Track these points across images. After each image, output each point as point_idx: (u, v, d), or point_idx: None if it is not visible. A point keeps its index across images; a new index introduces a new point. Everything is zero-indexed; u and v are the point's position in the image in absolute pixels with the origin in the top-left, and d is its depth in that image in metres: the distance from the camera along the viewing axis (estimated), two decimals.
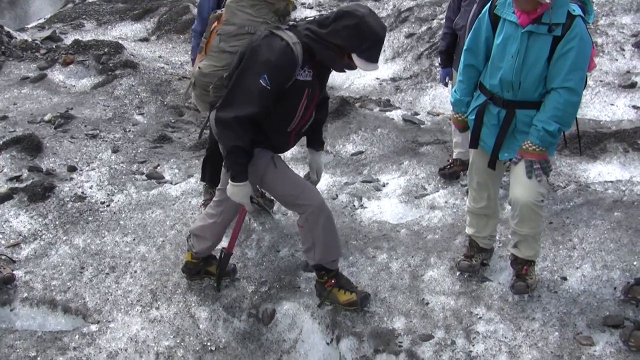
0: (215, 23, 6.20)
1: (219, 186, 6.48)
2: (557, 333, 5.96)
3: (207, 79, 6.03)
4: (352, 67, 5.65)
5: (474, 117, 6.16)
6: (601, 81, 11.38)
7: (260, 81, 5.48)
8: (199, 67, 6.10)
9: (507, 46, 5.76)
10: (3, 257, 7.34)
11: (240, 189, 5.81)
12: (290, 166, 6.85)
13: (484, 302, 6.39)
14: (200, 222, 6.69)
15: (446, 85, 8.93)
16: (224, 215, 6.45)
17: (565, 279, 6.58)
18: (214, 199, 6.53)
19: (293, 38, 5.57)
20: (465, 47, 6.18)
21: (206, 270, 6.93)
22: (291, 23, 5.90)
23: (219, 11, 6.31)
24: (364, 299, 6.51)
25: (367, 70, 5.78)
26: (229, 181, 5.84)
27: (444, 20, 8.83)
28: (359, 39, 5.42)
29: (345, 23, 5.44)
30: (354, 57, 5.52)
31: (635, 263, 6.62)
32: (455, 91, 6.37)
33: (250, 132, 5.67)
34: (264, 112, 5.63)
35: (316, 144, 6.63)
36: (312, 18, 5.67)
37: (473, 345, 5.97)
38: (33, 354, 6.24)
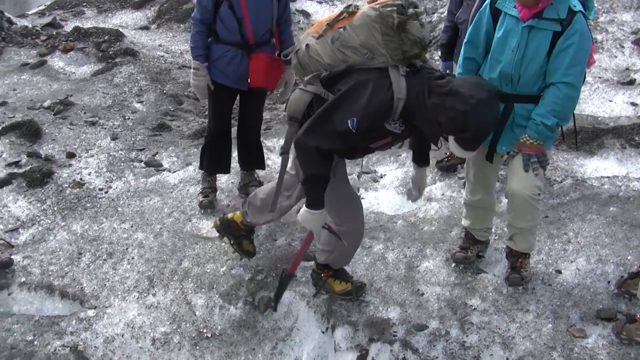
0: (346, 15, 5.53)
1: (288, 169, 6.14)
2: (550, 325, 6.02)
3: (309, 62, 5.59)
4: (451, 147, 5.36)
5: None
6: (600, 78, 11.40)
7: (349, 122, 5.12)
8: (307, 45, 5.74)
9: (507, 40, 5.79)
10: (1, 241, 7.39)
11: (315, 216, 5.53)
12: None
13: (478, 294, 6.45)
14: (262, 195, 6.53)
15: None
16: (290, 201, 6.33)
17: (559, 272, 6.64)
18: (283, 184, 6.19)
19: (402, 92, 5.12)
20: (465, 40, 6.20)
21: (240, 242, 6.94)
22: (418, 66, 5.36)
23: (354, 3, 5.77)
24: (359, 289, 6.54)
25: (460, 155, 5.52)
26: (304, 206, 5.56)
27: (446, 13, 8.85)
28: (460, 126, 5.01)
29: (454, 104, 4.96)
30: (450, 139, 5.20)
31: (629, 257, 6.69)
32: None
33: (331, 162, 5.41)
34: (346, 148, 5.38)
35: (421, 159, 6.31)
36: (436, 72, 5.11)
37: (467, 336, 6.01)
38: (30, 338, 6.29)
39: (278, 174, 6.03)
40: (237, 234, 6.90)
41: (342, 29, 5.41)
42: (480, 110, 4.95)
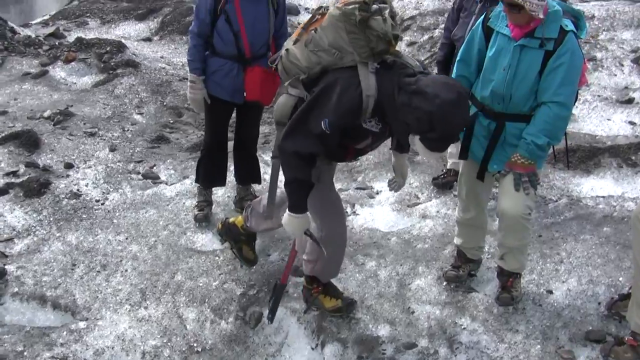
0: (319, 17, 5.59)
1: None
2: (539, 346, 6.02)
3: (290, 66, 5.62)
4: (418, 149, 5.32)
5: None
6: (599, 96, 11.40)
7: (322, 124, 5.16)
8: (287, 49, 5.75)
9: (499, 59, 5.81)
10: None
11: (297, 220, 5.54)
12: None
13: (469, 313, 6.44)
14: (266, 201, 6.44)
15: None
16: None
17: (550, 292, 6.65)
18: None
19: (371, 89, 5.13)
20: (457, 58, 6.24)
21: (240, 247, 6.97)
22: (389, 61, 5.31)
23: (325, 4, 5.75)
24: (350, 306, 6.54)
25: (426, 157, 5.48)
26: (287, 211, 5.59)
27: (443, 30, 8.88)
28: (427, 127, 4.95)
29: (419, 104, 4.91)
30: (416, 139, 5.19)
31: (620, 279, 6.69)
32: None
33: (313, 165, 5.41)
34: (325, 151, 5.39)
35: (400, 146, 6.27)
36: (404, 66, 5.05)
37: (455, 356, 6.02)
38: (20, 349, 6.27)
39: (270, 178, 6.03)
40: (238, 239, 6.94)
41: (313, 32, 5.44)
42: (445, 111, 4.85)
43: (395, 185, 6.51)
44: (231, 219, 6.98)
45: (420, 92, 4.94)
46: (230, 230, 6.93)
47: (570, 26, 5.65)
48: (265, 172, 8.58)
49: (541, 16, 5.51)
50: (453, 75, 6.29)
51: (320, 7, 5.61)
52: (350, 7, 5.24)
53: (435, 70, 9.57)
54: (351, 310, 6.54)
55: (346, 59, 5.29)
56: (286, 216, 5.58)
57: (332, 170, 6.18)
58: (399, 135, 5.46)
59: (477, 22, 6.10)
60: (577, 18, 6.01)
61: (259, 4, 7.17)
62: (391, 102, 5.11)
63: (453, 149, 8.58)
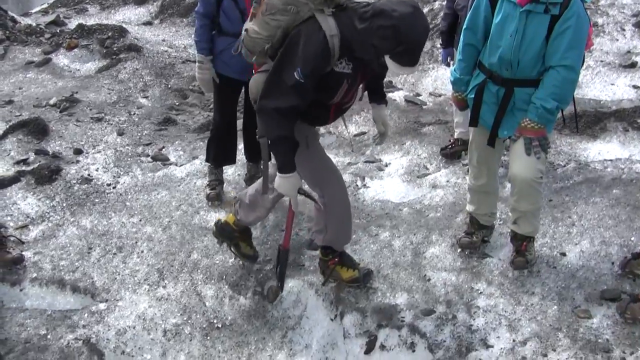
0: None
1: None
2: (555, 307, 6.09)
3: (252, 43, 5.73)
4: (390, 68, 5.41)
5: (473, 95, 6.25)
6: (602, 61, 11.43)
7: (295, 74, 5.27)
8: (246, 29, 5.91)
9: (505, 25, 5.85)
10: (12, 238, 7.45)
11: (288, 180, 5.61)
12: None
13: (484, 278, 6.52)
14: (252, 190, 6.61)
15: (448, 65, 8.95)
16: (277, 193, 6.28)
17: (564, 254, 6.70)
18: (268, 174, 6.40)
19: (332, 29, 5.30)
20: (464, 27, 6.26)
21: (236, 243, 6.96)
22: (342, 3, 5.50)
23: None
24: (367, 276, 6.61)
25: (400, 73, 5.59)
26: (277, 173, 5.67)
27: (445, 1, 8.90)
28: (393, 42, 5.11)
29: (380, 22, 5.12)
30: (387, 59, 5.28)
31: (632, 239, 6.75)
32: (455, 70, 6.46)
33: (294, 120, 5.52)
34: (303, 102, 5.45)
35: (378, 97, 6.43)
36: (356, 3, 5.32)
37: (474, 319, 6.09)
38: (43, 332, 6.36)
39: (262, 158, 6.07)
40: (232, 236, 6.91)
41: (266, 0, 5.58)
42: (406, 22, 5.05)
43: (380, 138, 6.62)
44: (222, 219, 6.98)
45: (379, 12, 5.16)
46: (224, 229, 6.91)
47: None
48: None
49: None
50: (460, 43, 6.33)
51: None
52: None
53: (440, 41, 9.61)
54: (368, 280, 6.62)
55: (302, 11, 5.44)
56: (277, 178, 5.67)
57: (317, 135, 6.28)
58: (369, 62, 5.51)
59: None
60: None
61: None
62: (354, 33, 5.28)
63: (460, 119, 8.64)
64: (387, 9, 5.12)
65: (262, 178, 6.23)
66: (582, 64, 6.04)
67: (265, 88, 5.49)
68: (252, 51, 5.78)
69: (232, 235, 6.90)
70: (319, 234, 6.40)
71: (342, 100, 5.80)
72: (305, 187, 6.04)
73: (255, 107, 5.66)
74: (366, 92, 6.43)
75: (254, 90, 5.76)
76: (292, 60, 5.33)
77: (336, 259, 6.53)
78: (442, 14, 9.85)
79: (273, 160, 5.83)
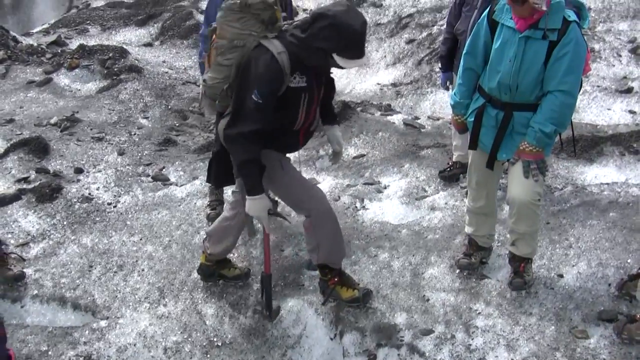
0: (214, 36, 6.22)
1: (233, 188, 6.63)
2: (553, 327, 6.16)
3: (212, 90, 6.05)
4: (340, 66, 5.66)
5: (473, 118, 6.34)
6: (598, 86, 11.54)
7: (253, 97, 5.58)
8: (204, 80, 6.19)
9: (505, 50, 5.95)
10: (13, 255, 7.47)
11: (257, 202, 5.83)
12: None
13: (482, 298, 6.58)
14: (216, 224, 6.83)
15: (447, 89, 9.04)
16: (239, 218, 6.53)
17: (561, 276, 6.78)
18: (229, 201, 6.64)
19: (278, 47, 5.64)
20: (464, 51, 6.37)
21: (220, 273, 7.06)
22: (284, 28, 5.90)
23: (214, 24, 6.30)
24: (366, 296, 6.67)
25: (351, 67, 5.83)
26: (246, 196, 5.86)
27: (445, 25, 8.98)
28: (335, 39, 5.43)
29: (320, 25, 5.47)
30: (335, 57, 5.53)
31: (629, 260, 6.83)
32: (454, 94, 6.56)
33: (259, 144, 5.73)
34: (265, 125, 5.68)
35: (330, 118, 6.69)
36: (296, 22, 5.64)
37: (472, 339, 6.15)
38: (44, 348, 6.39)
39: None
40: (212, 272, 7.07)
41: (215, 45, 6.02)
42: (342, 17, 5.42)
43: (334, 157, 6.82)
44: (199, 262, 7.15)
45: (316, 16, 5.54)
46: (204, 271, 7.08)
47: (573, 16, 5.79)
48: None
49: (544, 8, 5.65)
50: (460, 67, 6.44)
51: (210, 30, 6.25)
52: (229, 2, 5.86)
53: (439, 65, 9.69)
54: (368, 300, 6.67)
55: (248, 42, 5.81)
56: (247, 201, 5.87)
57: (291, 159, 6.46)
58: (321, 65, 5.80)
59: (482, 15, 6.23)
60: (579, 8, 6.16)
61: None
62: (299, 44, 5.63)
63: (458, 142, 8.71)
64: (323, 11, 5.52)
65: (228, 212, 6.65)
66: (580, 89, 6.13)
67: (230, 119, 5.82)
68: (214, 98, 6.13)
69: (212, 272, 7.06)
70: (313, 253, 6.49)
71: (306, 121, 6.06)
72: (282, 208, 6.18)
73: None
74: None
75: (221, 134, 6.03)
76: (247, 86, 5.65)
77: (336, 279, 6.60)
78: (441, 38, 9.94)
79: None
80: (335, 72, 6.28)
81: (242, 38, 5.83)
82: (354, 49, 5.54)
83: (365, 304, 6.64)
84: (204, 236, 7.07)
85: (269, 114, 5.67)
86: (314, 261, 6.61)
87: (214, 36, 6.16)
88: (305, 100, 5.85)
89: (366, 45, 5.85)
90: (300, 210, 6.40)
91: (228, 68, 5.89)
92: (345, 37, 5.42)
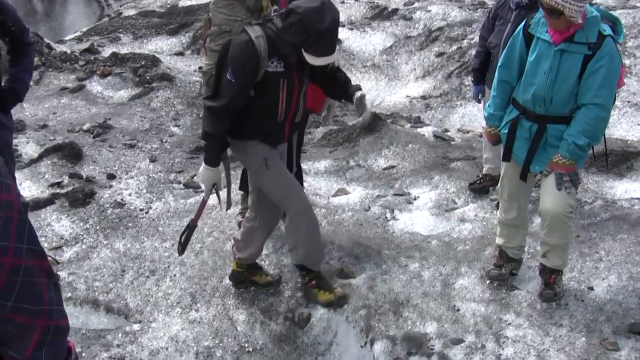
0: (208, 24, 6.55)
1: (250, 189, 6.72)
2: (583, 338, 6.16)
3: (207, 76, 6.37)
4: (309, 61, 5.80)
5: (506, 130, 6.39)
6: (629, 102, 11.55)
7: (227, 76, 5.76)
8: (199, 67, 6.42)
9: (540, 63, 5.99)
10: (48, 258, 7.54)
11: (207, 172, 6.18)
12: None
13: (513, 309, 6.59)
14: (241, 228, 6.93)
15: (479, 102, 9.11)
16: (260, 218, 6.64)
17: (591, 288, 6.78)
18: (249, 203, 6.74)
19: (257, 32, 5.76)
20: (499, 64, 6.42)
21: (251, 279, 7.12)
22: (268, 18, 6.12)
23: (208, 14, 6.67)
24: (341, 299, 6.84)
25: (318, 64, 5.92)
26: (203, 164, 6.18)
27: (478, 39, 9.03)
28: (303, 35, 5.57)
29: (290, 20, 5.60)
30: (304, 52, 5.71)
31: None
32: (489, 106, 6.60)
33: (225, 122, 5.95)
34: (234, 103, 5.86)
35: (347, 93, 6.46)
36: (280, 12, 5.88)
37: (502, 349, 6.15)
38: (78, 350, 6.40)
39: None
40: (244, 278, 7.14)
41: (208, 32, 6.52)
42: (311, 14, 5.54)
43: (362, 119, 6.62)
44: (230, 269, 7.25)
45: (289, 11, 5.67)
46: (235, 277, 7.16)
47: (608, 31, 5.85)
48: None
49: (580, 21, 5.69)
50: (494, 80, 6.49)
51: (205, 18, 6.79)
52: None
53: (470, 78, 9.73)
54: (342, 304, 6.83)
55: (235, 27, 6.17)
56: (202, 168, 6.28)
57: (278, 155, 6.51)
58: (291, 58, 5.86)
59: (518, 29, 6.27)
60: (615, 23, 6.20)
61: None
62: (276, 32, 5.74)
63: (489, 154, 8.76)
64: (294, 7, 5.63)
65: (249, 213, 6.79)
66: (614, 103, 6.17)
67: (209, 93, 6.11)
68: (209, 85, 6.39)
69: (244, 277, 7.13)
70: (291, 252, 6.74)
71: (289, 112, 6.17)
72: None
73: None
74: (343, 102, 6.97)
75: None
76: (224, 65, 5.84)
77: (314, 282, 6.80)
78: (473, 51, 9.98)
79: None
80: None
81: (229, 24, 6.25)
82: (322, 45, 5.68)
83: (339, 307, 6.85)
84: (232, 242, 7.14)
85: (240, 94, 5.85)
86: (292, 260, 6.86)
87: (208, 24, 6.52)
88: (284, 86, 5.95)
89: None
90: (282, 206, 6.54)
91: (217, 53, 6.12)
92: (312, 33, 5.56)
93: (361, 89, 6.54)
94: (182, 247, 6.68)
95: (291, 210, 6.38)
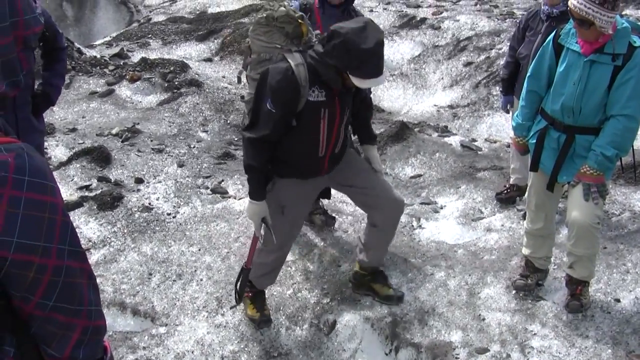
0: (249, 52, 6.44)
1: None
2: (609, 350, 6.14)
3: (249, 105, 6.10)
4: (356, 84, 5.64)
5: (534, 140, 6.39)
6: None
7: (267, 105, 5.62)
8: (241, 96, 6.38)
9: (569, 73, 6.00)
10: None
11: (254, 207, 6.00)
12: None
13: (538, 320, 6.59)
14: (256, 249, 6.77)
15: (507, 112, 9.13)
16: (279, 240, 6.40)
17: (618, 300, 6.76)
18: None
19: (297, 60, 5.65)
20: (528, 74, 6.43)
21: (371, 285, 7.09)
22: (309, 44, 5.97)
23: (247, 40, 6.55)
24: (262, 323, 6.82)
25: (367, 86, 5.91)
26: (248, 198, 6.06)
27: (508, 49, 9.03)
28: (348, 58, 5.39)
29: (333, 42, 5.44)
30: (350, 76, 5.52)
31: None
32: (517, 116, 6.61)
33: (266, 153, 5.83)
34: (275, 134, 5.73)
35: (368, 138, 6.68)
36: (321, 38, 5.77)
37: (528, 359, 6.17)
38: None
39: None
40: (364, 283, 7.11)
41: (248, 60, 6.34)
42: (354, 36, 5.37)
43: (375, 172, 6.67)
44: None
45: (331, 34, 5.50)
46: (356, 279, 7.19)
47: (638, 42, 5.84)
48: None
49: (610, 32, 5.71)
50: (523, 90, 6.51)
51: (245, 46, 6.73)
52: (259, 15, 6.20)
53: (498, 88, 9.74)
54: (263, 327, 6.82)
55: (274, 55, 5.96)
56: (247, 203, 6.18)
57: (303, 205, 6.58)
58: (335, 83, 5.72)
59: (548, 39, 6.28)
60: None
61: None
62: (318, 58, 5.61)
63: (516, 164, 8.77)
64: (338, 28, 5.49)
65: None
66: None
67: (247, 123, 5.94)
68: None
69: (364, 281, 7.12)
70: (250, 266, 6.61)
71: (330, 144, 6.04)
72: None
73: None
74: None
75: None
76: (263, 93, 5.70)
77: (251, 294, 6.82)
78: (500, 62, 9.99)
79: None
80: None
81: (268, 51, 6.02)
82: (368, 67, 5.49)
83: (260, 329, 6.85)
84: (357, 242, 7.13)
85: (280, 124, 5.73)
86: (245, 273, 6.64)
87: (249, 52, 6.39)
88: (325, 116, 5.83)
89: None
90: (263, 252, 6.51)
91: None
92: (356, 56, 5.38)
93: (376, 144, 6.79)
94: (239, 296, 6.62)
95: (271, 247, 6.38)
